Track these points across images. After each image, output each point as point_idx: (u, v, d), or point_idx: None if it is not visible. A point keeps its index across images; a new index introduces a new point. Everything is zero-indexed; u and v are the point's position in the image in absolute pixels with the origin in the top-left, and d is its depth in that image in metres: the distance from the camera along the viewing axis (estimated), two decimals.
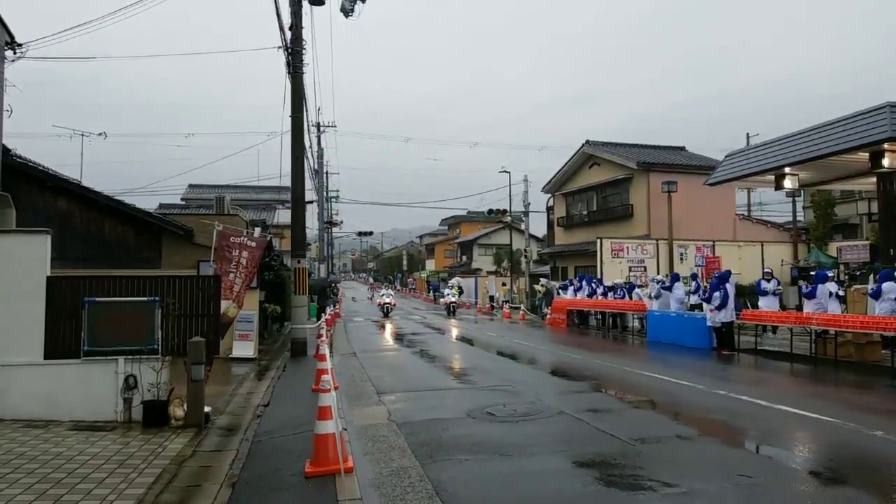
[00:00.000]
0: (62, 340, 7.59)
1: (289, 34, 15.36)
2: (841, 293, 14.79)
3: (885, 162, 15.87)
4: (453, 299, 32.86)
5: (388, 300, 31.75)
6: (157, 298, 7.73)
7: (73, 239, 13.03)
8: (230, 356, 13.23)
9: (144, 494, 5.00)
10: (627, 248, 26.36)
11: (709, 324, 15.24)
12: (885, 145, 15.37)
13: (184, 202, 36.32)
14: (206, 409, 7.58)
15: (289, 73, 15.55)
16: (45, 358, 7.53)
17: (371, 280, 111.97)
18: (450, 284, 36.58)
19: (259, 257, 11.29)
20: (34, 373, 7.47)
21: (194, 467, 5.85)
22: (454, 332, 21.78)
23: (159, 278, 8.36)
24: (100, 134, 28.77)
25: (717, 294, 14.97)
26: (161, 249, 14.49)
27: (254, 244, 10.94)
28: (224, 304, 9.27)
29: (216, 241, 10.63)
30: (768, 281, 16.33)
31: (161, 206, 32.19)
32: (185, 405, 7.34)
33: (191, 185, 39.63)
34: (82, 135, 28.59)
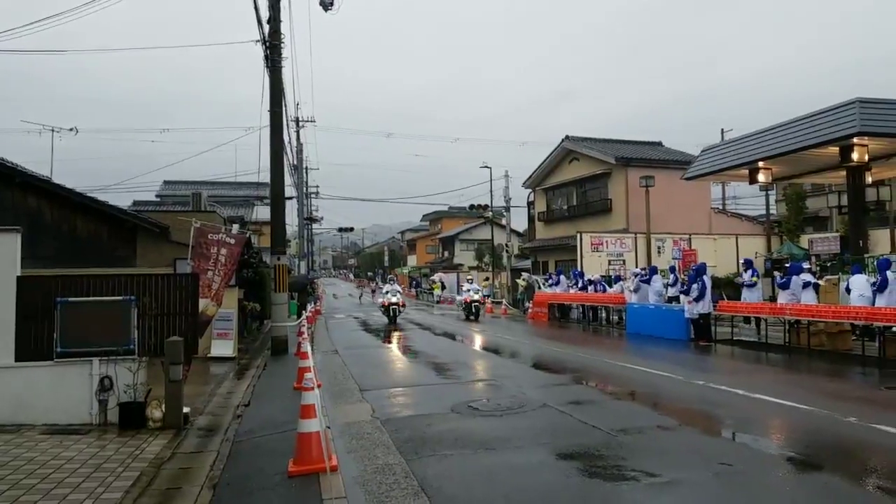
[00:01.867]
0: (34, 342, 7.41)
1: (267, 28, 15.19)
2: (822, 283, 14.97)
3: (855, 156, 16.23)
4: (476, 296, 24.86)
5: (394, 299, 23.77)
6: (132, 297, 7.58)
7: (43, 237, 12.76)
8: (209, 355, 13.07)
9: (122, 498, 4.91)
10: (607, 241, 26.57)
11: (687, 315, 15.41)
12: (854, 140, 15.73)
13: (158, 199, 35.81)
14: (185, 409, 7.47)
15: (267, 67, 15.39)
16: (17, 360, 7.34)
17: (352, 276, 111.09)
18: (468, 279, 28.66)
19: (238, 254, 11.15)
20: (4, 375, 7.27)
21: (174, 469, 5.75)
22: (436, 328, 21.76)
23: (135, 277, 8.21)
24: (70, 129, 28.17)
25: (695, 286, 15.15)
26: (136, 247, 14.27)
27: (232, 241, 10.80)
28: (202, 303, 9.15)
29: (194, 238, 10.47)
30: (746, 271, 16.45)
31: (135, 203, 31.68)
32: (163, 406, 7.22)
33: (166, 182, 39.09)
34: (52, 130, 27.98)
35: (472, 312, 24.45)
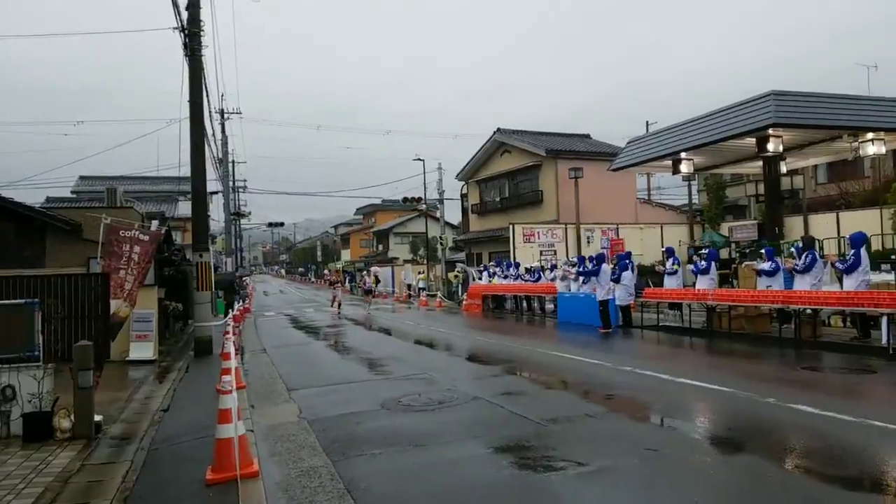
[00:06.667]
0: None
1: (185, 14, 14.48)
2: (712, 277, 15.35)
3: (770, 146, 16.95)
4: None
5: None
6: (35, 300, 7.07)
7: None
8: (127, 359, 12.39)
9: None
10: (538, 233, 26.91)
11: (618, 303, 15.78)
12: (770, 131, 16.42)
13: (74, 195, 34.01)
14: (97, 417, 7.01)
15: (186, 55, 14.69)
16: None
17: (283, 272, 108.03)
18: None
19: (152, 252, 10.59)
20: None
21: (82, 483, 5.37)
22: (370, 323, 21.50)
23: (39, 278, 7.69)
24: None
25: (624, 274, 15.56)
26: (45, 246, 13.39)
27: (146, 238, 10.24)
28: (114, 304, 8.63)
29: (104, 235, 9.87)
30: (667, 259, 16.85)
31: (49, 199, 29.94)
32: (72, 415, 6.75)
33: (82, 177, 37.18)
34: None
35: None
